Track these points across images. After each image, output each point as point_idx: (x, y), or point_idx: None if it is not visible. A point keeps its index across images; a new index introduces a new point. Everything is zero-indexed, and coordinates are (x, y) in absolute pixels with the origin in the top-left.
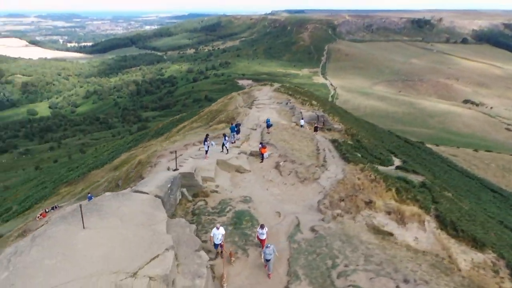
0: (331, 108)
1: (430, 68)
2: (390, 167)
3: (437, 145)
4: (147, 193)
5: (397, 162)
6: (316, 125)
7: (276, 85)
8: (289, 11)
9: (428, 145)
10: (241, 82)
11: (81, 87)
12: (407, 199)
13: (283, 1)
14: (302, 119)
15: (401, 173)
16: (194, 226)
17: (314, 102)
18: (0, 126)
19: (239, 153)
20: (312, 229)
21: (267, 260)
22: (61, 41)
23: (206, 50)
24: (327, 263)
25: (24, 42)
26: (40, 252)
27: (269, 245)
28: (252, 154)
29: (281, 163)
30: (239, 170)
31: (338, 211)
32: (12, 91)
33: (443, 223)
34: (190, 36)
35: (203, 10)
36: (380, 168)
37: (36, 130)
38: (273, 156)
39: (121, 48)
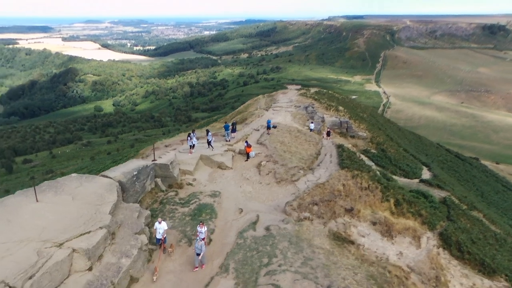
0: (370, 117)
1: (500, 79)
2: (414, 180)
3: (497, 163)
4: (111, 178)
5: (427, 175)
6: (328, 130)
7: (311, 89)
8: (347, 17)
9: (485, 162)
10: (290, 87)
11: (141, 87)
12: (408, 212)
13: (342, 6)
14: (312, 123)
15: (423, 187)
16: (147, 212)
17: (340, 108)
18: (71, 119)
19: (225, 150)
20: (267, 228)
21: (197, 254)
22: (128, 44)
23: (259, 55)
24: (262, 260)
25: (97, 45)
26: None
27: (198, 239)
28: (240, 152)
29: (262, 163)
30: (221, 166)
31: (307, 214)
32: (83, 89)
33: (447, 242)
34: (245, 41)
35: (261, 16)
36: (400, 179)
37: (99, 125)
38: (260, 156)
39: (180, 52)
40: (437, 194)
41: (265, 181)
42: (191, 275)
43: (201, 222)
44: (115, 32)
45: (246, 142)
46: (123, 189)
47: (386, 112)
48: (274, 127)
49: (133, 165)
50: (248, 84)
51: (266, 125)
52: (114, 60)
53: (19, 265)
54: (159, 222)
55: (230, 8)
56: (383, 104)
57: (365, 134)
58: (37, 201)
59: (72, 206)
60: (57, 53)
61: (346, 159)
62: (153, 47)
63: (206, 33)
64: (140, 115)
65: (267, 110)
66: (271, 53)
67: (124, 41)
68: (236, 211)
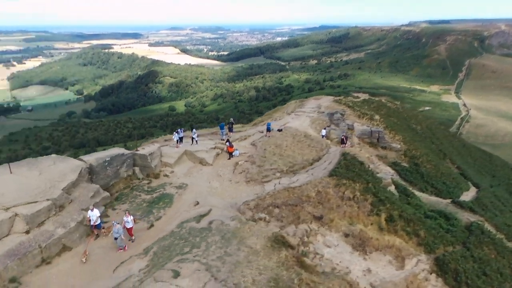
0: (424, 130)
1: None
2: (446, 200)
3: None
4: (84, 161)
5: (468, 197)
6: (342, 137)
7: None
8: (430, 22)
9: None
10: (357, 96)
11: (211, 90)
12: (402, 230)
13: (426, 11)
14: (325, 129)
15: (451, 208)
16: (105, 194)
17: (376, 117)
18: (147, 117)
19: (212, 148)
20: (210, 222)
21: (115, 238)
22: (205, 50)
23: (328, 61)
24: (184, 249)
25: (177, 50)
26: None
27: (115, 223)
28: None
29: (239, 162)
30: (202, 162)
31: (263, 215)
32: (161, 90)
33: (443, 269)
34: (315, 47)
35: (336, 22)
36: (428, 197)
37: (169, 123)
38: (244, 156)
39: (251, 58)
40: (466, 217)
41: (236, 179)
42: (116, 254)
43: (127, 211)
44: (194, 38)
45: (228, 141)
46: (93, 172)
47: (463, 127)
48: (280, 130)
49: (110, 152)
50: (313, 90)
51: (266, 127)
52: (189, 64)
53: None
54: (91, 210)
55: (304, 14)
56: (461, 118)
57: (398, 146)
58: (10, 173)
59: (35, 180)
60: (143, 57)
61: (341, 168)
62: (226, 53)
63: (278, 39)
64: (207, 116)
65: (289, 114)
66: (341, 60)
67: (201, 47)
68: (192, 203)
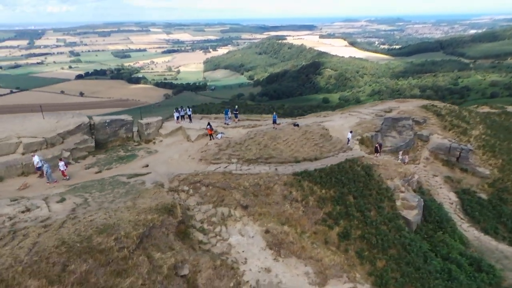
0: None
1: None
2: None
3: None
4: (89, 119)
5: None
6: (376, 145)
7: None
8: None
9: None
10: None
11: (369, 85)
12: (355, 252)
13: None
14: (351, 132)
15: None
16: (91, 144)
17: (474, 133)
18: (298, 106)
19: (204, 128)
20: (135, 180)
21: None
22: (376, 42)
23: None
24: (91, 189)
25: (345, 43)
26: None
27: (43, 162)
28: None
29: (208, 143)
30: (187, 138)
31: (186, 188)
32: (319, 81)
33: None
34: None
35: None
36: (477, 237)
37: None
38: (225, 140)
39: (426, 53)
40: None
41: (193, 156)
42: (45, 185)
43: (60, 158)
44: (367, 30)
45: (209, 124)
46: (95, 128)
47: None
48: (296, 125)
49: (114, 117)
50: (498, 96)
51: (272, 119)
52: (353, 57)
53: None
54: (33, 156)
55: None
56: None
57: (487, 172)
58: (43, 118)
59: (50, 125)
60: (310, 48)
61: (326, 171)
62: (398, 46)
63: (472, 31)
64: None
65: (343, 113)
66: None
67: (373, 39)
68: (142, 167)
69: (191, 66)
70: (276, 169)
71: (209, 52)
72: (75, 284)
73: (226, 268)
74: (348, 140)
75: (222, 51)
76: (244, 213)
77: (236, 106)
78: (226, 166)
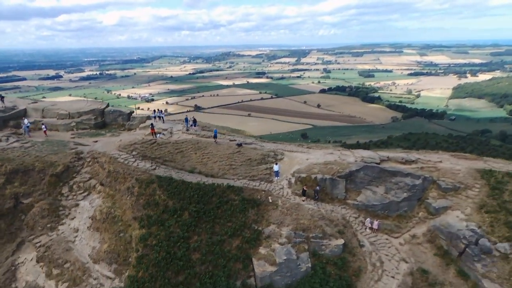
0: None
1: None
2: None
3: None
4: (99, 107)
5: None
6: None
7: None
8: None
9: None
10: None
11: None
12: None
13: None
14: (276, 164)
15: None
16: (92, 124)
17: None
18: None
19: (164, 129)
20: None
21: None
22: None
23: None
24: (46, 144)
25: None
26: None
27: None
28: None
29: (145, 134)
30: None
31: (90, 158)
32: None
33: None
34: None
35: None
36: None
37: None
38: (161, 139)
39: None
40: None
41: (119, 144)
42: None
43: (42, 123)
44: None
45: (151, 125)
46: (105, 113)
47: None
48: (239, 145)
49: (115, 108)
50: None
51: (214, 134)
52: None
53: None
54: (23, 119)
55: None
56: None
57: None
58: (84, 103)
59: (79, 106)
60: None
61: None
62: None
63: None
64: None
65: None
66: None
67: None
68: (94, 140)
69: (435, 91)
70: (157, 168)
71: (465, 77)
72: None
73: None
74: (276, 173)
75: (483, 77)
76: (101, 188)
77: (193, 117)
78: (123, 156)
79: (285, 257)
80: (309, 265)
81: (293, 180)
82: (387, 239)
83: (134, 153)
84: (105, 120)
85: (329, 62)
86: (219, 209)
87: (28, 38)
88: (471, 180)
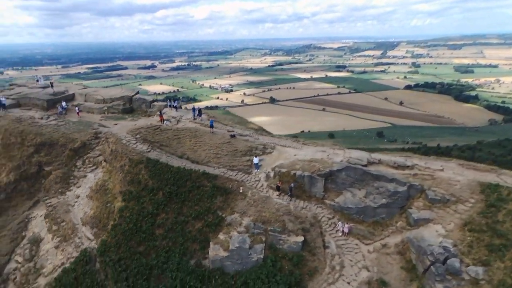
0: None
1: None
2: None
3: None
4: (132, 95)
5: None
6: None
7: None
8: None
9: None
10: None
11: None
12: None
13: None
14: (256, 157)
15: None
16: (120, 109)
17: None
18: None
19: (173, 117)
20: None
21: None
22: None
23: None
24: (78, 123)
25: None
26: None
27: (65, 105)
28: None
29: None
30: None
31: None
32: None
33: None
34: None
35: None
36: None
37: None
38: (167, 125)
39: None
40: None
41: (131, 128)
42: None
43: (75, 106)
44: None
45: (160, 112)
46: (132, 100)
47: None
48: (232, 136)
49: (140, 96)
50: None
51: (210, 124)
52: None
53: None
54: (61, 102)
55: None
56: None
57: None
58: (120, 90)
59: (114, 93)
60: None
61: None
62: None
63: None
64: None
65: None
66: None
67: None
68: (115, 123)
69: None
70: (151, 151)
71: None
72: None
73: None
74: (256, 165)
75: None
76: (104, 164)
77: (199, 107)
78: (127, 138)
79: (237, 245)
80: (261, 256)
81: (272, 174)
82: (357, 244)
83: (137, 136)
84: (132, 106)
85: (419, 56)
86: (190, 193)
87: (132, 32)
88: (468, 193)
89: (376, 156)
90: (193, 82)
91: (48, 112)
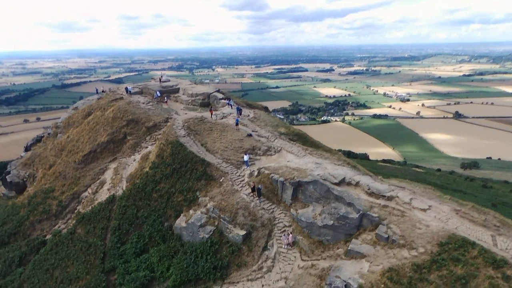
0: None
1: None
2: None
3: None
4: (212, 91)
5: None
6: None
7: None
8: None
9: None
10: None
11: None
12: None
13: None
14: (246, 154)
15: None
16: (199, 103)
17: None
18: None
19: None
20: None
21: (155, 97)
22: None
23: None
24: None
25: None
26: None
27: (159, 94)
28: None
29: (212, 114)
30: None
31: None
32: None
33: None
34: None
35: None
36: None
37: None
38: (213, 117)
39: None
40: None
41: (203, 116)
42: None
43: (165, 96)
44: None
45: (211, 107)
46: (209, 97)
47: None
48: (249, 135)
49: (213, 93)
50: None
51: (235, 122)
52: None
53: None
54: (156, 92)
55: None
56: None
57: None
58: (206, 86)
59: (199, 90)
60: None
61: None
62: None
63: None
64: None
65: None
66: None
67: None
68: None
69: None
70: (185, 137)
71: None
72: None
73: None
74: (246, 162)
75: None
76: (157, 142)
77: (239, 106)
78: (177, 124)
79: (192, 221)
80: (207, 236)
81: (255, 173)
82: (295, 257)
83: (185, 124)
84: (209, 101)
85: None
86: (186, 173)
87: (319, 36)
88: (424, 241)
89: (360, 178)
90: (367, 87)
91: (152, 99)
